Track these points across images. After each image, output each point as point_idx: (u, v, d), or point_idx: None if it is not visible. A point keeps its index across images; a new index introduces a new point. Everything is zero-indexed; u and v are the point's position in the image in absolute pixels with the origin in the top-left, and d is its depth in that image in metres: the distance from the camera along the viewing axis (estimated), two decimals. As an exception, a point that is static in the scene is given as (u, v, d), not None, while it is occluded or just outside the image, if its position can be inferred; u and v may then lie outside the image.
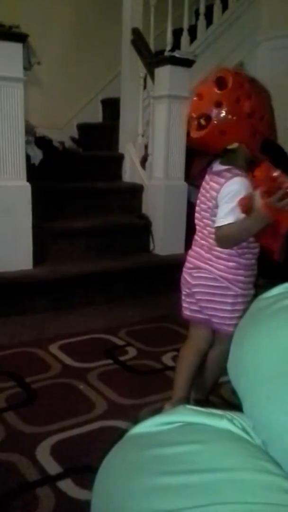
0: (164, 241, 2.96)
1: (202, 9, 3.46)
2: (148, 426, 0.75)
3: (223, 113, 1.24)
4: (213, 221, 1.37)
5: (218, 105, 1.25)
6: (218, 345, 1.51)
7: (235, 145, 1.30)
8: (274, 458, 0.65)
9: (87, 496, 1.10)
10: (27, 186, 2.48)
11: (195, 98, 1.32)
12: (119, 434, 0.80)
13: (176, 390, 1.53)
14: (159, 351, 2.08)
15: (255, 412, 0.67)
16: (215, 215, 1.36)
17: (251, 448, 0.67)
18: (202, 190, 1.44)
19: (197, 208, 1.47)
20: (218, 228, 1.33)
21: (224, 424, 0.71)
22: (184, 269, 1.50)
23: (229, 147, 1.31)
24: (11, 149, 2.41)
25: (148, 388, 1.77)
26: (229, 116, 1.25)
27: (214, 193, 1.35)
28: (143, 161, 3.22)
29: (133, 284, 2.77)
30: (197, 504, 0.60)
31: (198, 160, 3.35)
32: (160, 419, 0.75)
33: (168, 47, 3.27)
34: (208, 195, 1.39)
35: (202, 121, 1.28)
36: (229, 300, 1.41)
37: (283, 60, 3.51)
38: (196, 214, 1.47)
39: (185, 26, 3.39)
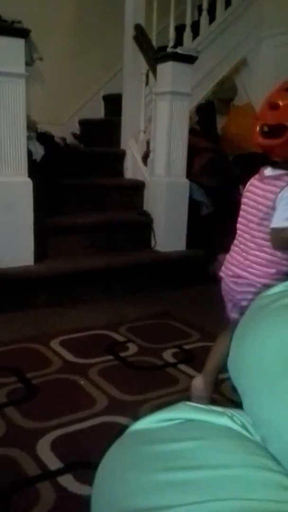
0: (165, 237, 2.96)
1: (205, 5, 3.44)
2: (148, 422, 0.75)
3: None
4: (264, 225, 1.37)
5: None
6: None
7: None
8: (273, 454, 0.65)
9: (87, 491, 1.11)
10: (29, 182, 2.48)
11: (267, 106, 1.35)
12: (120, 430, 0.80)
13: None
14: (159, 348, 2.08)
15: (254, 409, 0.68)
16: (268, 218, 1.36)
17: (251, 445, 0.68)
18: (249, 194, 1.45)
19: (241, 213, 1.46)
20: (280, 229, 1.33)
21: (224, 421, 0.72)
22: (223, 276, 1.50)
23: None
24: (12, 145, 2.40)
25: (148, 384, 1.77)
26: None
27: (271, 195, 1.36)
28: (145, 157, 3.21)
29: (134, 280, 2.77)
30: (196, 500, 0.60)
31: (198, 158, 3.35)
32: (160, 415, 0.75)
33: (171, 43, 3.25)
34: (260, 199, 1.40)
35: (266, 128, 1.34)
36: None
37: (286, 56, 3.49)
38: (240, 219, 1.47)
39: (188, 22, 3.37)
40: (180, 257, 2.92)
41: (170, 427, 0.72)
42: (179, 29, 3.39)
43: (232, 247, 1.48)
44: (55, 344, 2.07)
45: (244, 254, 1.42)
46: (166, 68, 2.80)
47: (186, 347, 2.10)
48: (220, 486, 0.62)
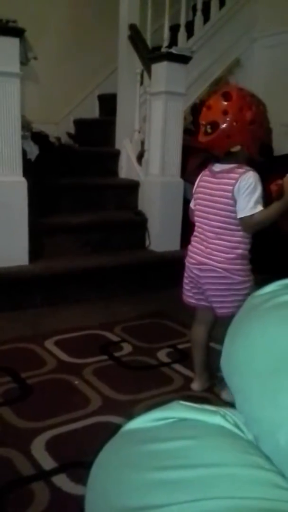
0: (160, 237, 2.97)
1: (199, 5, 3.45)
2: (142, 422, 0.75)
3: (229, 120, 1.49)
4: (226, 216, 1.55)
5: (225, 113, 1.49)
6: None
7: (237, 147, 1.54)
8: (265, 453, 0.66)
9: (81, 491, 1.11)
10: (23, 181, 2.48)
11: (204, 108, 1.56)
12: (114, 429, 0.81)
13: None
14: (154, 347, 2.09)
15: (247, 408, 0.68)
16: (229, 210, 1.54)
17: (243, 443, 0.68)
18: (203, 189, 1.63)
19: (198, 207, 1.64)
20: (249, 216, 1.52)
21: (217, 420, 0.72)
22: (188, 264, 1.67)
23: (233, 149, 1.55)
24: (7, 144, 2.40)
25: (143, 384, 1.78)
26: (234, 123, 1.49)
27: (228, 187, 1.54)
28: (140, 157, 3.21)
29: (129, 280, 2.78)
30: (190, 499, 0.61)
31: (193, 157, 3.37)
32: (153, 415, 0.76)
33: (165, 43, 3.26)
34: (216, 192, 1.58)
35: (209, 129, 1.52)
36: (237, 287, 1.58)
37: (280, 57, 3.50)
38: (198, 212, 1.65)
39: (182, 22, 3.38)
40: (174, 257, 2.92)
41: (163, 426, 0.73)
42: (174, 29, 3.39)
43: (193, 238, 1.67)
44: (49, 344, 2.08)
45: (204, 243, 1.61)
46: (160, 68, 2.80)
47: (180, 346, 2.10)
48: (212, 484, 0.62)
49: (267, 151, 1.67)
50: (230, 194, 1.53)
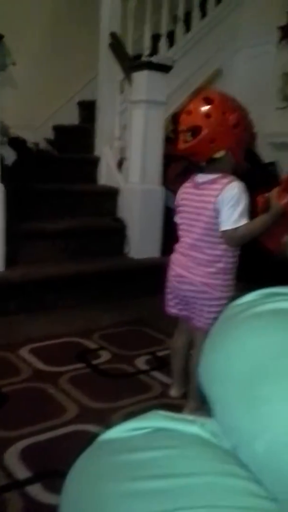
0: (139, 244, 2.97)
1: (180, 15, 3.48)
2: (118, 431, 0.74)
3: (212, 123, 1.44)
4: (207, 228, 1.50)
5: (208, 116, 1.44)
6: (201, 347, 1.59)
7: (222, 153, 1.48)
8: (243, 462, 0.65)
9: (56, 500, 1.09)
10: (0, 186, 2.45)
11: (184, 114, 1.50)
12: (90, 438, 0.80)
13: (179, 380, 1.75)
14: (132, 355, 2.08)
15: (224, 417, 0.68)
16: (211, 222, 1.48)
17: (221, 452, 0.68)
18: (185, 202, 1.57)
19: (181, 221, 1.59)
20: (233, 229, 1.46)
21: (194, 429, 0.72)
22: (169, 275, 1.63)
23: (216, 155, 1.48)
24: (-15, 149, 2.38)
25: (120, 392, 1.77)
26: (217, 127, 1.44)
27: (211, 199, 1.48)
28: (119, 164, 3.22)
29: (107, 287, 2.77)
30: (165, 509, 0.60)
31: (173, 166, 3.38)
32: (130, 424, 0.75)
33: (146, 52, 3.28)
34: (198, 204, 1.52)
35: (189, 136, 1.46)
36: (214, 303, 1.52)
37: (261, 67, 3.55)
38: (180, 226, 1.59)
39: (164, 31, 3.41)
40: (154, 264, 2.93)
41: (140, 436, 0.72)
42: (155, 38, 3.42)
43: (176, 249, 1.62)
44: (24, 351, 2.05)
45: (186, 256, 1.56)
46: (141, 77, 2.82)
47: (159, 354, 2.10)
48: (188, 494, 0.61)
49: (252, 157, 1.65)
50: (212, 206, 1.47)
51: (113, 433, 0.76)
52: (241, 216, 1.45)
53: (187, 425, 0.73)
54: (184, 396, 1.71)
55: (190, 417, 0.76)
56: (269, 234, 1.52)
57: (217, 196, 1.46)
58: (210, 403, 0.71)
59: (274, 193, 1.47)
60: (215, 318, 1.48)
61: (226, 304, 1.51)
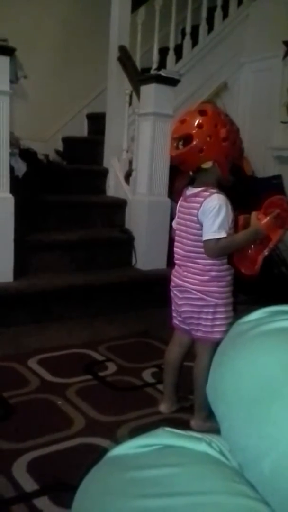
0: (146, 256, 2.98)
1: (188, 29, 3.52)
2: (127, 448, 0.75)
3: (203, 134, 1.49)
4: (192, 239, 1.57)
5: (200, 127, 1.50)
6: (200, 359, 1.64)
7: (209, 164, 1.54)
8: (249, 481, 0.66)
9: (63, 515, 1.10)
10: (10, 198, 2.48)
11: (177, 123, 1.55)
12: (98, 454, 0.80)
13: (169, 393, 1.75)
14: (139, 367, 2.08)
15: (232, 435, 0.68)
16: (198, 233, 1.54)
17: (228, 471, 0.68)
18: (179, 214, 1.64)
19: (176, 232, 1.65)
20: (213, 240, 1.52)
21: (202, 447, 0.72)
22: (171, 287, 1.68)
23: (204, 165, 1.54)
24: (-5, 161, 2.41)
25: (127, 405, 1.77)
26: (208, 138, 1.49)
27: (194, 211, 1.54)
28: (127, 176, 3.24)
29: (114, 298, 2.78)
30: (174, 527, 0.61)
31: (179, 178, 3.40)
32: (138, 441, 0.75)
33: (154, 66, 3.32)
34: (187, 217, 1.58)
35: (180, 144, 1.52)
36: (211, 310, 1.58)
37: (265, 81, 3.59)
38: (176, 237, 1.66)
39: (171, 45, 3.45)
40: (160, 275, 2.92)
41: (148, 453, 0.73)
42: (163, 52, 3.46)
43: (175, 261, 1.68)
44: (33, 362, 2.06)
45: (181, 267, 1.63)
46: (149, 90, 2.85)
47: (165, 367, 2.10)
48: (197, 512, 0.62)
49: (237, 171, 1.69)
50: (196, 218, 1.54)
51: (122, 449, 0.76)
52: (220, 227, 1.50)
53: (195, 442, 0.73)
54: (191, 408, 1.70)
55: (198, 435, 0.77)
56: (245, 258, 1.60)
57: (198, 209, 1.53)
58: (218, 420, 0.71)
59: (253, 216, 1.57)
60: (213, 326, 1.56)
61: (225, 316, 1.57)
